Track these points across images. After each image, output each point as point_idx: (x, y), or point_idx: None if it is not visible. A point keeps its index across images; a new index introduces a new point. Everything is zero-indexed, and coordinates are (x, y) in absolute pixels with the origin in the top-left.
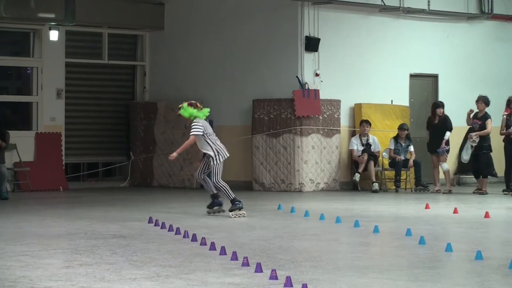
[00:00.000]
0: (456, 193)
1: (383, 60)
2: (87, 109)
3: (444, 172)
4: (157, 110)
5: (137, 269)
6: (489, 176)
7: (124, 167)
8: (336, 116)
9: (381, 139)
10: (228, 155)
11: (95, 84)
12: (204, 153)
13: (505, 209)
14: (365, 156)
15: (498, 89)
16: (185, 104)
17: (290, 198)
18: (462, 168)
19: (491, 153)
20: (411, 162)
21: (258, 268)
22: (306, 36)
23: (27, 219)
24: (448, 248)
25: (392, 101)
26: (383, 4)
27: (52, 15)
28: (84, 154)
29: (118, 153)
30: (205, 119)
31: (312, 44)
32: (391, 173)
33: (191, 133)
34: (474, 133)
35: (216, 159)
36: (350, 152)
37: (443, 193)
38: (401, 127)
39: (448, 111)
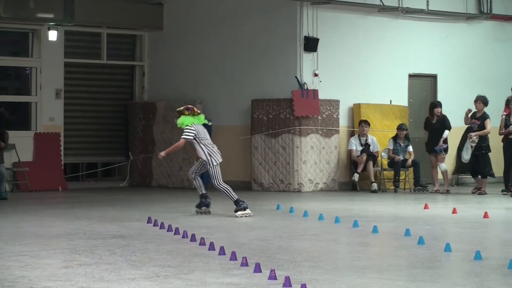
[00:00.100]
0: (455, 193)
1: (382, 60)
2: (86, 109)
3: (442, 172)
4: (156, 110)
5: (136, 269)
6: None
7: (123, 167)
8: (335, 116)
9: (380, 139)
10: (221, 160)
11: (94, 84)
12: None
13: (504, 209)
14: (364, 156)
15: (497, 89)
16: (181, 117)
17: (289, 198)
18: (460, 168)
19: (489, 153)
20: (409, 161)
21: (257, 268)
22: (305, 36)
23: (26, 219)
24: (447, 248)
25: (391, 101)
26: (381, 4)
27: (51, 15)
28: (83, 154)
29: (117, 153)
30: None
31: (311, 44)
32: (390, 173)
33: (182, 137)
34: (474, 133)
35: (209, 163)
36: (349, 152)
37: (441, 193)
38: (400, 127)
39: (447, 111)
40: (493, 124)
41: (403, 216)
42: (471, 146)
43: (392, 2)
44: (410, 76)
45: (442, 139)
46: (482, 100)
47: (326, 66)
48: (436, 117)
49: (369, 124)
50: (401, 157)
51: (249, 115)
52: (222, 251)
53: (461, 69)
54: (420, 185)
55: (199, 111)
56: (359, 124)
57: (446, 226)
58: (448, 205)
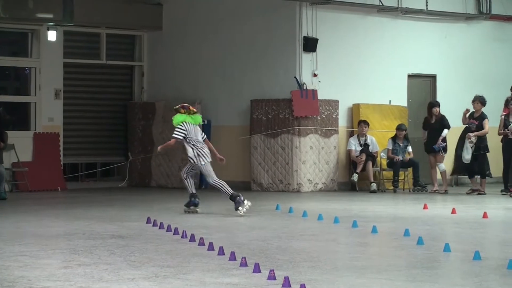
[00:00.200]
0: (454, 194)
1: (381, 60)
2: (85, 109)
3: (441, 173)
4: (155, 110)
5: (135, 269)
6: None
7: (122, 167)
8: (334, 117)
9: (379, 140)
10: (210, 160)
11: (93, 84)
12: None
13: (503, 210)
14: (363, 157)
15: (497, 89)
16: (176, 115)
17: (288, 199)
18: (458, 168)
19: (488, 154)
20: (407, 158)
21: (256, 269)
22: (304, 37)
23: (25, 219)
24: (446, 249)
25: (390, 101)
26: (381, 4)
27: (50, 16)
28: (82, 154)
29: (116, 153)
30: (194, 124)
31: (310, 45)
32: (389, 174)
33: (172, 136)
34: (473, 134)
35: (198, 162)
36: (348, 152)
37: (439, 192)
38: (399, 128)
39: (446, 111)
40: (492, 124)
41: (402, 216)
42: (471, 147)
43: (392, 2)
44: (409, 76)
45: (441, 138)
46: (480, 100)
47: (325, 66)
48: (434, 117)
49: (368, 124)
50: (400, 157)
51: (248, 115)
52: (221, 251)
53: (461, 69)
54: (419, 185)
55: (195, 110)
56: (358, 124)
57: (445, 226)
58: (447, 205)
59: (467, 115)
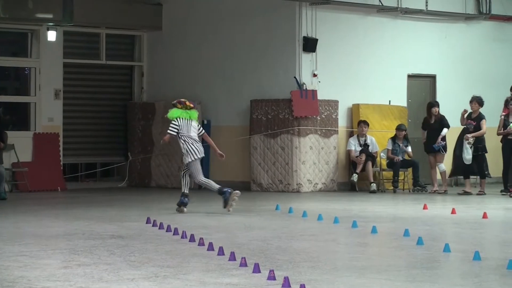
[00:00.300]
0: (454, 194)
1: (381, 60)
2: (85, 109)
3: (440, 173)
4: (155, 110)
5: (135, 270)
6: (472, 176)
7: (122, 167)
8: (334, 117)
9: (379, 140)
10: (198, 157)
11: (93, 84)
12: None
13: (503, 210)
14: (363, 157)
15: (496, 90)
16: (172, 109)
17: (288, 199)
18: (457, 169)
19: (486, 154)
20: (407, 155)
21: (256, 269)
22: (304, 37)
23: (25, 220)
24: (446, 249)
25: (390, 101)
26: (381, 4)
27: (50, 16)
28: (82, 154)
29: (116, 154)
30: (188, 118)
31: (310, 45)
32: (389, 174)
33: (167, 131)
34: (470, 135)
35: (185, 159)
36: (348, 152)
37: (438, 193)
38: (399, 128)
39: (446, 111)
40: (492, 125)
41: (402, 216)
42: (470, 147)
43: (391, 3)
44: (409, 76)
45: (440, 137)
46: (477, 101)
47: (325, 66)
48: (434, 117)
49: (368, 125)
50: (400, 158)
51: (248, 115)
52: (221, 252)
53: (460, 70)
54: (419, 186)
55: (192, 105)
56: (358, 125)
57: (445, 226)
58: (447, 206)
59: (465, 115)
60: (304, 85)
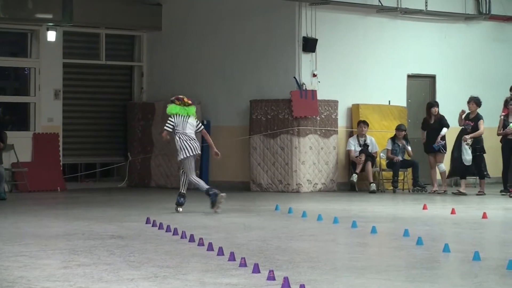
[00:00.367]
0: (453, 194)
1: (380, 60)
2: (85, 109)
3: (440, 173)
4: (154, 110)
5: (134, 270)
6: (471, 177)
7: (122, 167)
8: (333, 117)
9: (378, 140)
10: (190, 154)
11: (92, 84)
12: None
13: (503, 210)
14: (363, 157)
15: (496, 90)
16: (172, 105)
17: (287, 199)
18: (455, 170)
19: (485, 154)
20: (409, 151)
21: (256, 269)
22: (304, 37)
23: (25, 220)
24: (446, 249)
25: (389, 101)
26: (380, 4)
27: (50, 16)
28: (82, 154)
29: (115, 154)
30: (185, 115)
31: (309, 45)
32: (388, 174)
33: (164, 127)
34: (468, 136)
35: (179, 156)
36: (348, 152)
37: (438, 193)
38: (399, 128)
39: (445, 111)
40: (491, 125)
41: (402, 216)
42: (468, 148)
43: (391, 3)
44: (409, 76)
45: (439, 136)
46: (475, 101)
47: (325, 66)
48: (434, 117)
49: (367, 125)
50: (400, 158)
51: (248, 115)
52: (220, 252)
53: (460, 70)
54: (419, 186)
55: (190, 102)
56: (358, 125)
57: (445, 226)
58: (446, 206)
59: (463, 116)
60: (304, 85)
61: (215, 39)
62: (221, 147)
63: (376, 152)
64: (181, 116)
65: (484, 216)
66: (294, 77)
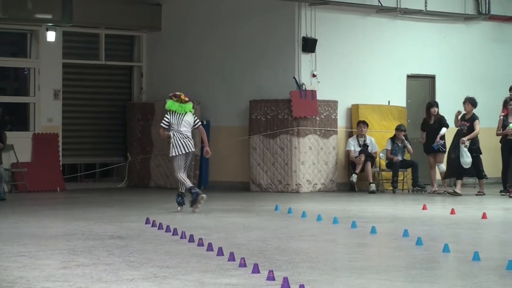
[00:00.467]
0: (448, 194)
1: (380, 60)
2: (84, 110)
3: (440, 173)
4: (154, 110)
5: (134, 270)
6: (470, 177)
7: (121, 168)
8: (333, 117)
9: (378, 140)
10: (182, 152)
11: (92, 85)
12: None
13: (503, 210)
14: (362, 157)
15: (496, 90)
16: (169, 101)
17: (287, 199)
18: (452, 171)
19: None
20: (409, 148)
21: (255, 269)
22: (303, 37)
23: (24, 220)
24: (445, 249)
25: (389, 101)
26: (380, 4)
27: (49, 16)
28: (81, 155)
29: (115, 154)
30: (182, 112)
31: (309, 45)
32: (388, 174)
33: (160, 125)
34: (465, 138)
35: (170, 152)
36: (347, 153)
37: (438, 193)
38: (399, 128)
39: (445, 111)
40: (491, 125)
41: (401, 217)
42: (467, 150)
43: (391, 3)
44: (409, 76)
45: (439, 136)
46: (470, 102)
47: (324, 66)
48: (433, 117)
49: (367, 125)
50: (399, 158)
51: (247, 115)
52: (220, 252)
53: (459, 70)
54: (419, 186)
55: (187, 99)
56: (357, 125)
57: (445, 227)
58: (446, 206)
59: (459, 117)
60: (304, 86)
61: (215, 39)
62: (221, 147)
63: (375, 152)
64: (178, 113)
65: (484, 216)
66: (294, 77)
